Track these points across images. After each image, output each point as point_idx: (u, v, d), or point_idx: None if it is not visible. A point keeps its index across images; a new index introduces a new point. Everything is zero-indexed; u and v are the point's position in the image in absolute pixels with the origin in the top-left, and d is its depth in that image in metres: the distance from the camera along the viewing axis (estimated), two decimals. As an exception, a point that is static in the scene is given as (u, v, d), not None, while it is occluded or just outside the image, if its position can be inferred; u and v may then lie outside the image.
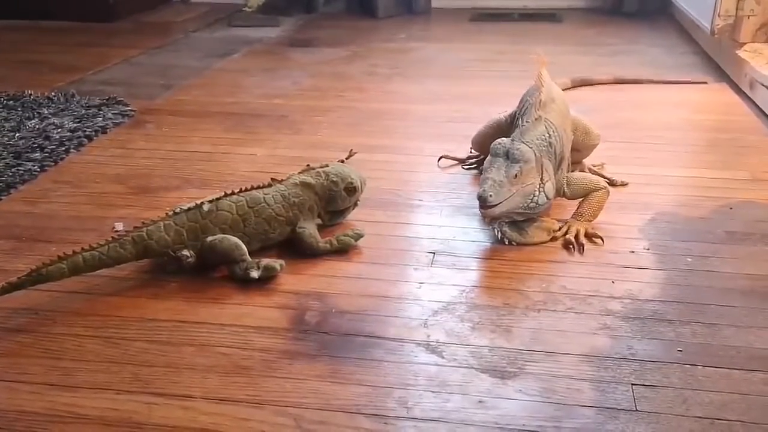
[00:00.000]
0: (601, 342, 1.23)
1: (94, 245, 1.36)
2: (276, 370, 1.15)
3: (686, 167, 2.02)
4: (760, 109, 2.41)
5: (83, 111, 2.31)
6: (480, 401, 1.09)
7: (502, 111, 1.85)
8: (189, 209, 1.45)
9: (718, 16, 2.76)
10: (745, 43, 2.75)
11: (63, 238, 1.57)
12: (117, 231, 1.56)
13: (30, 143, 2.02)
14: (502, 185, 1.43)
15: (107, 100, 2.42)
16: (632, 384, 1.12)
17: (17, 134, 2.09)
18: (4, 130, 2.13)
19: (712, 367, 1.16)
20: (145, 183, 1.87)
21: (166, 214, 1.46)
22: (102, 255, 1.36)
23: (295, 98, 2.67)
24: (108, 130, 2.22)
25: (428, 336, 1.25)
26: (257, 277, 1.39)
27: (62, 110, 2.32)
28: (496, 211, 1.44)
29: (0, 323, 1.28)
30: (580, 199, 1.61)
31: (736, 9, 2.75)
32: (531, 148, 1.48)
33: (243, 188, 1.52)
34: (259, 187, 1.53)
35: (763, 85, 2.39)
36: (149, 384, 1.13)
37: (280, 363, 1.17)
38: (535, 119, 1.56)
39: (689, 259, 1.50)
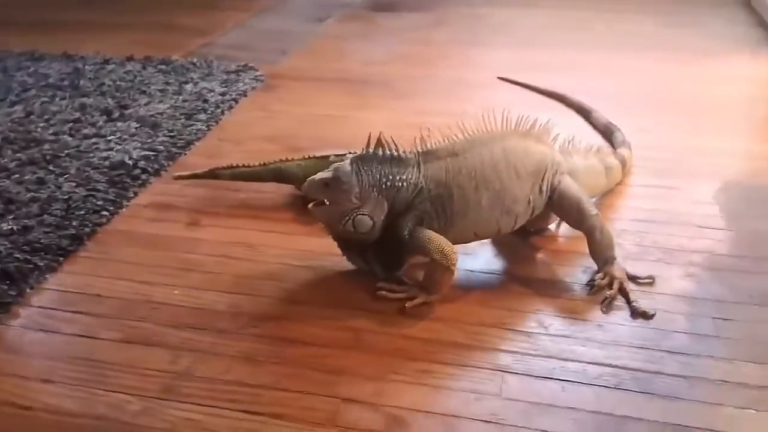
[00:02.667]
0: (688, 285, 1.59)
1: (249, 164, 1.88)
2: (448, 298, 1.52)
3: (752, 140, 2.33)
4: (823, 86, 2.69)
5: (225, 76, 2.68)
6: (599, 325, 1.47)
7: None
8: (320, 157, 1.84)
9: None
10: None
11: (240, 187, 1.94)
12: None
13: (194, 105, 2.41)
14: (312, 185, 1.47)
15: (243, 66, 2.78)
16: (713, 317, 1.48)
17: (180, 97, 2.47)
18: (169, 93, 2.51)
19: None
20: (293, 143, 2.23)
21: (303, 156, 1.87)
22: (252, 172, 1.87)
23: (391, 65, 2.99)
24: (248, 93, 2.59)
25: (555, 274, 1.63)
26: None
27: (207, 75, 2.69)
28: (316, 213, 1.50)
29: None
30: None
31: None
32: (360, 172, 1.47)
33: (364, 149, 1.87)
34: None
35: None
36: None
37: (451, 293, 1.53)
38: (398, 157, 1.51)
39: (758, 222, 1.83)
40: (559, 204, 1.63)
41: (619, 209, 1.88)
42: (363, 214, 1.49)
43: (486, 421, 1.23)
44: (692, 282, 1.60)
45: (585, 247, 1.66)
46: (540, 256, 1.70)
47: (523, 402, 1.27)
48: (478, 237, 1.59)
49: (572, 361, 1.37)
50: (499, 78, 2.75)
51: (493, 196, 1.55)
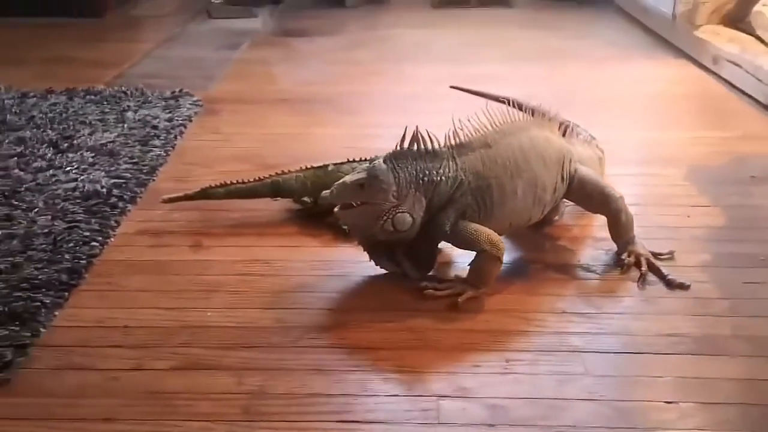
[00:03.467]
0: (703, 257, 1.65)
1: (244, 180, 1.79)
2: (492, 290, 1.50)
3: (684, 129, 2.50)
4: (727, 81, 2.92)
5: (164, 102, 2.53)
6: (644, 300, 1.50)
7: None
8: (317, 167, 1.80)
9: (681, 2, 3.29)
10: (701, 25, 3.27)
11: (230, 207, 1.83)
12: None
13: (145, 132, 2.26)
14: (345, 189, 1.43)
15: (179, 92, 2.64)
16: (742, 282, 1.55)
17: (125, 125, 2.31)
18: (110, 122, 2.34)
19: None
20: (263, 161, 2.14)
21: (300, 168, 1.81)
22: (247, 188, 1.78)
23: (326, 84, 2.98)
24: (192, 118, 2.47)
25: (581, 259, 1.65)
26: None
27: (144, 103, 2.53)
28: (345, 216, 1.47)
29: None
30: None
31: (694, -3, 3.28)
32: (396, 170, 1.44)
33: (361, 158, 1.82)
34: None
35: (729, 61, 2.90)
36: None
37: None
38: (432, 152, 1.48)
39: (732, 197, 1.95)
40: (581, 190, 1.65)
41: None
42: (402, 212, 1.44)
43: (586, 400, 1.21)
44: (706, 253, 1.68)
45: (598, 232, 1.72)
46: (560, 243, 1.72)
47: (611, 377, 1.27)
48: (512, 227, 1.59)
49: (636, 335, 1.38)
50: (451, 87, 2.78)
51: (527, 185, 1.55)
